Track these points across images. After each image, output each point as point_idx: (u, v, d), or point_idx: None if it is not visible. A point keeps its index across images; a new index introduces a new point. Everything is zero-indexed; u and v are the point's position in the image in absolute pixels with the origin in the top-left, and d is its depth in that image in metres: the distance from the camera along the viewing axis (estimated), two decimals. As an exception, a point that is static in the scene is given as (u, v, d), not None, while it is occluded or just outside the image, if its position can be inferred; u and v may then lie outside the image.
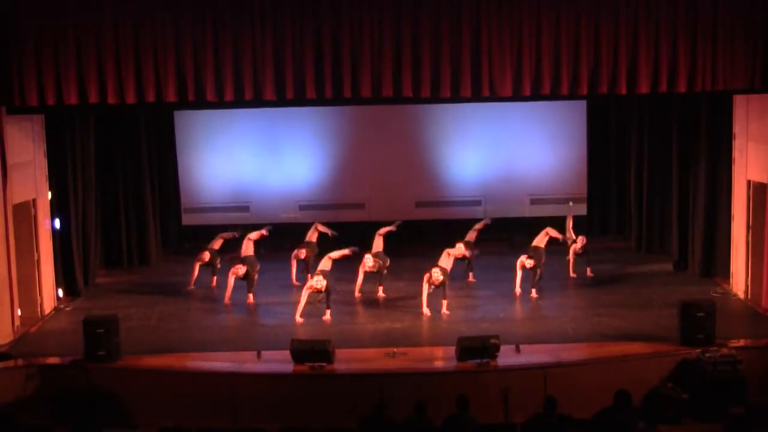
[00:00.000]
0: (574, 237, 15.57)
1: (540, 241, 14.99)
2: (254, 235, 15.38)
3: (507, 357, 11.55)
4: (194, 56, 12.54)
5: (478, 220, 16.37)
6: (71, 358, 11.83)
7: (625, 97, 13.07)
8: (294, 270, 15.31)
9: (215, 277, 15.35)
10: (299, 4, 12.52)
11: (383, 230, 15.26)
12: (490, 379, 11.04)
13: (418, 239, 17.01)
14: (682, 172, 15.70)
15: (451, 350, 11.60)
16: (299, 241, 15.62)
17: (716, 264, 15.05)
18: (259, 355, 11.95)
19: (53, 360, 12.06)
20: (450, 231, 15.91)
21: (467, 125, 17.76)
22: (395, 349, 11.92)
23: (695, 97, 13.69)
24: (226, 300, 14.30)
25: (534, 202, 17.94)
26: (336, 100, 12.98)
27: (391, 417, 9.41)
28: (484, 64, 12.65)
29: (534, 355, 11.84)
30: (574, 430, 9.21)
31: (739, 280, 14.23)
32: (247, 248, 15.04)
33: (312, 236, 15.70)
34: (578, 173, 18.03)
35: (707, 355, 11.25)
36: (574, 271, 15.40)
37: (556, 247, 15.53)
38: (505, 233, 17.45)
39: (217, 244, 15.69)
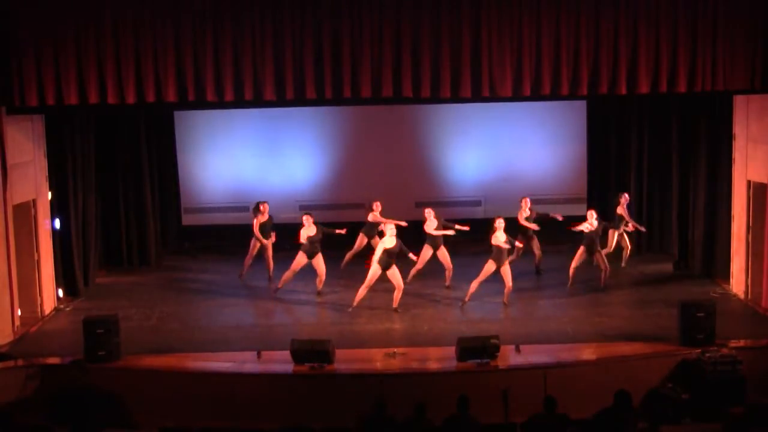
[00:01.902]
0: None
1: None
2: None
3: (507, 357, 11.56)
4: (194, 56, 12.54)
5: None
6: (71, 358, 11.83)
7: (625, 97, 13.06)
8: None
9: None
10: (299, 5, 12.52)
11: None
12: (490, 379, 11.05)
13: (418, 239, 16.99)
14: (682, 172, 15.71)
15: (451, 350, 11.60)
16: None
17: (716, 264, 15.04)
18: (259, 355, 11.95)
19: (53, 360, 12.06)
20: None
21: (467, 125, 17.77)
22: (395, 349, 11.92)
23: (695, 97, 13.68)
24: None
25: (534, 202, 17.92)
26: (336, 100, 12.99)
27: (391, 417, 9.42)
28: (484, 64, 12.65)
29: (534, 355, 11.84)
30: (574, 430, 9.21)
31: (739, 280, 14.23)
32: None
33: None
34: (578, 173, 18.03)
35: (707, 355, 11.25)
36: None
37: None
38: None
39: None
